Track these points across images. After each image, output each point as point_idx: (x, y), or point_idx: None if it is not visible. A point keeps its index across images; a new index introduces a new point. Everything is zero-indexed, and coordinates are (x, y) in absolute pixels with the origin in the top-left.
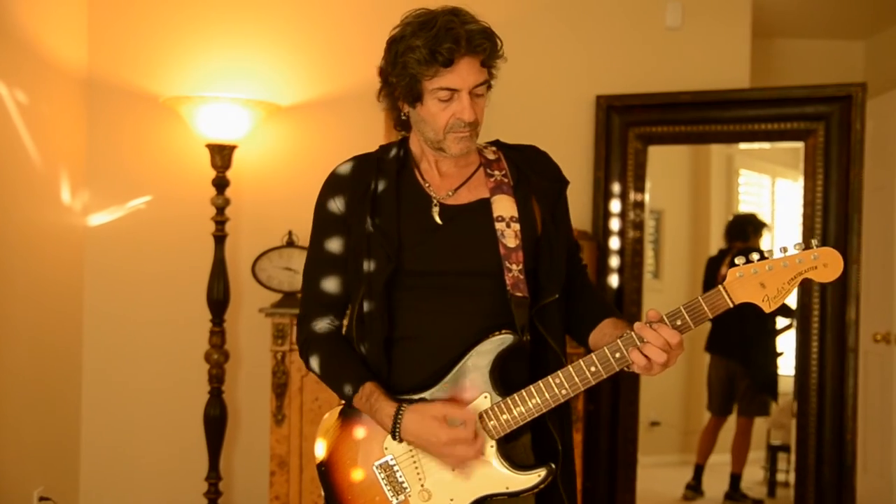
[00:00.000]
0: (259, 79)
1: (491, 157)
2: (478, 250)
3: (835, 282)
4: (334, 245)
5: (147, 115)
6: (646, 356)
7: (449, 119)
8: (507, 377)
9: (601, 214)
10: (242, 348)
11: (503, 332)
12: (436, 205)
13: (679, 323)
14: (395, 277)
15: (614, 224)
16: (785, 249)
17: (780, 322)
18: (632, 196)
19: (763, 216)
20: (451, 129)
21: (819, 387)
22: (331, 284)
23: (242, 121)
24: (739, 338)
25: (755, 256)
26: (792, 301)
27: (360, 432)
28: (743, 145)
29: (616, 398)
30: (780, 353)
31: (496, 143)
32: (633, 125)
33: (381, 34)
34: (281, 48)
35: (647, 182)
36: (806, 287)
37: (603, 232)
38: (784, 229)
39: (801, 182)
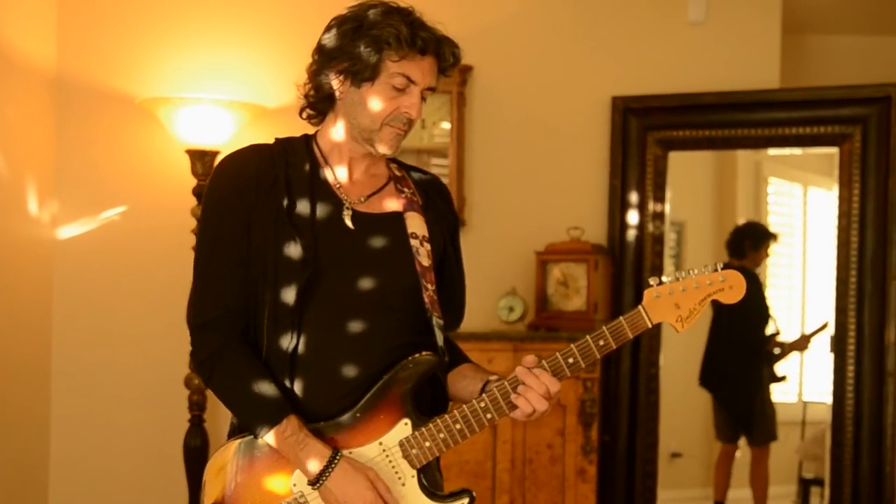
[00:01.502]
0: (243, 79)
1: (397, 173)
2: (396, 263)
3: (872, 300)
4: (237, 239)
5: (121, 118)
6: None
7: (393, 111)
8: (418, 402)
9: (617, 226)
10: None
11: (426, 353)
12: (348, 208)
13: (601, 343)
14: (305, 284)
15: (631, 237)
16: (694, 271)
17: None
18: (650, 206)
19: (771, 226)
20: (391, 122)
21: (855, 415)
22: (236, 284)
23: (225, 124)
24: (720, 368)
25: (666, 279)
26: (823, 309)
27: (264, 469)
28: (772, 151)
29: (633, 428)
30: (782, 378)
31: (397, 162)
32: (652, 129)
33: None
34: (267, 45)
35: (667, 191)
36: (841, 306)
37: (619, 246)
38: (817, 242)
39: (835, 191)
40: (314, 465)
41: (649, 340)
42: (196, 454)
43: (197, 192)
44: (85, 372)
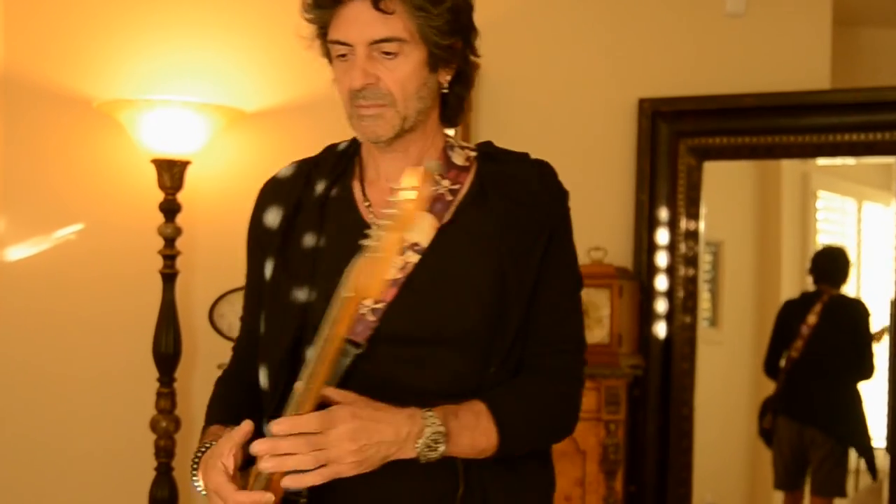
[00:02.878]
0: (218, 79)
1: (459, 160)
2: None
3: None
4: (255, 278)
5: (77, 124)
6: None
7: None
8: None
9: (644, 247)
10: (198, 414)
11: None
12: (369, 232)
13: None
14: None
15: (661, 259)
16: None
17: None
18: (683, 224)
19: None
20: (352, 102)
21: None
22: (253, 322)
23: (197, 130)
24: (819, 396)
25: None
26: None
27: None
28: (822, 161)
29: (663, 476)
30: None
31: (485, 146)
32: (684, 136)
33: None
34: (245, 41)
35: (701, 207)
36: (894, 336)
37: (647, 269)
38: (872, 264)
39: (893, 207)
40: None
41: (681, 376)
42: None
43: (165, 208)
44: (34, 413)
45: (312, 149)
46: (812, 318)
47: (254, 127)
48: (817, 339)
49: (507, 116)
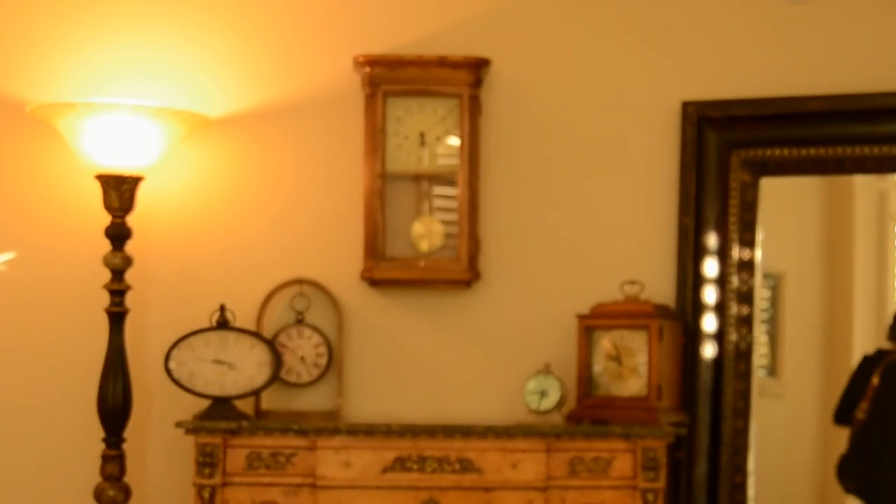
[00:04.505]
0: (176, 79)
1: None
2: None
3: None
4: None
5: (8, 132)
6: None
7: None
8: None
9: (689, 281)
10: (151, 481)
11: None
12: None
13: None
14: None
15: (709, 295)
16: None
17: None
18: (735, 253)
19: None
20: None
21: None
22: None
23: (151, 139)
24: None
25: None
26: None
27: None
28: None
29: None
30: None
31: None
32: (737, 146)
33: (345, 18)
34: (208, 35)
35: (758, 232)
36: None
37: (692, 307)
38: None
39: None
40: None
41: (733, 436)
42: None
43: (112, 234)
44: None
45: (288, 160)
46: (875, 380)
47: (219, 135)
48: (881, 403)
49: (522, 122)
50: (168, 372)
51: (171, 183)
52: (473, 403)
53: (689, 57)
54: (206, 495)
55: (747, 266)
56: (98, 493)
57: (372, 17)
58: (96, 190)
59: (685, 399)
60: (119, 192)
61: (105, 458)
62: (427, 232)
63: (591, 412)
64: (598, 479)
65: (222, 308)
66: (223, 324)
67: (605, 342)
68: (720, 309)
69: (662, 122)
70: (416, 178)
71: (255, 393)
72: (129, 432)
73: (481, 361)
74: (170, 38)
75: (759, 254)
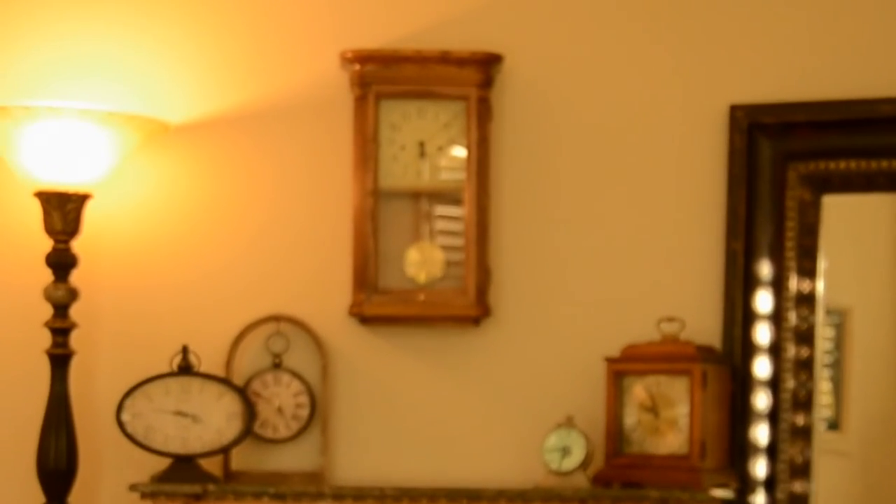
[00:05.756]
0: (131, 79)
1: None
2: None
3: None
4: None
5: None
6: None
7: None
8: None
9: (738, 317)
10: None
11: None
12: None
13: None
14: None
15: (761, 334)
16: None
17: None
18: (793, 284)
19: None
20: None
21: None
22: None
23: (101, 150)
24: None
25: None
26: None
27: None
28: None
29: None
30: None
31: None
32: (794, 158)
33: (330, 6)
34: (167, 31)
35: (820, 259)
36: None
37: (742, 349)
38: None
39: None
40: None
41: (790, 502)
42: None
43: (54, 262)
44: None
45: (263, 175)
46: None
47: (181, 145)
48: None
49: (540, 130)
50: (120, 425)
51: (124, 201)
52: (482, 463)
53: (737, 52)
54: None
55: (807, 300)
56: None
57: (362, 6)
58: (35, 210)
59: (733, 458)
60: (62, 212)
61: None
62: (425, 260)
63: (621, 473)
64: None
65: (185, 350)
66: (186, 368)
67: (638, 390)
68: (775, 351)
69: (707, 129)
70: (415, 195)
71: (224, 450)
72: (75, 497)
73: (492, 413)
74: (123, 29)
75: (820, 286)
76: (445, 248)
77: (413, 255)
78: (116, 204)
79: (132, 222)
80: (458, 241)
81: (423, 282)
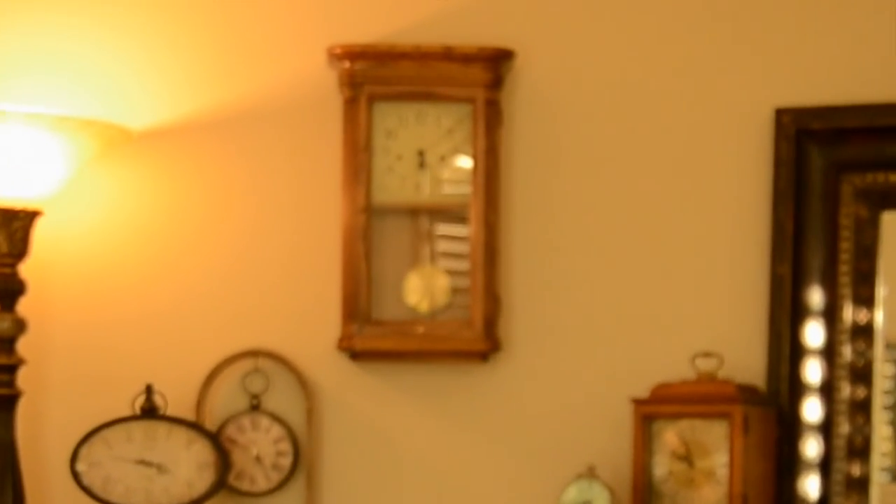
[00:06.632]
0: (88, 79)
1: None
2: None
3: None
4: None
5: None
6: None
7: None
8: None
9: (784, 353)
10: None
11: None
12: None
13: None
14: None
15: (812, 371)
16: None
17: None
18: (848, 314)
19: None
20: None
21: None
22: None
23: (53, 160)
24: None
25: None
26: None
27: None
28: None
29: None
30: None
31: None
32: (849, 169)
33: (308, 5)
34: (130, 22)
35: (879, 286)
36: None
37: (789, 388)
38: None
39: None
40: None
41: None
42: None
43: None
44: None
45: (239, 189)
46: None
47: (145, 155)
48: None
49: (555, 138)
50: (75, 476)
51: (80, 219)
52: None
53: (782, 47)
54: None
55: (864, 332)
56: None
57: None
58: None
59: None
60: (8, 231)
61: None
62: (427, 287)
63: None
64: None
65: (149, 390)
66: (150, 411)
67: (670, 436)
68: (827, 391)
69: (748, 136)
70: (413, 212)
71: None
72: None
73: (502, 462)
74: (77, 20)
75: (879, 316)
76: (448, 272)
77: (413, 282)
78: (71, 222)
79: (89, 243)
80: (463, 265)
81: (425, 311)
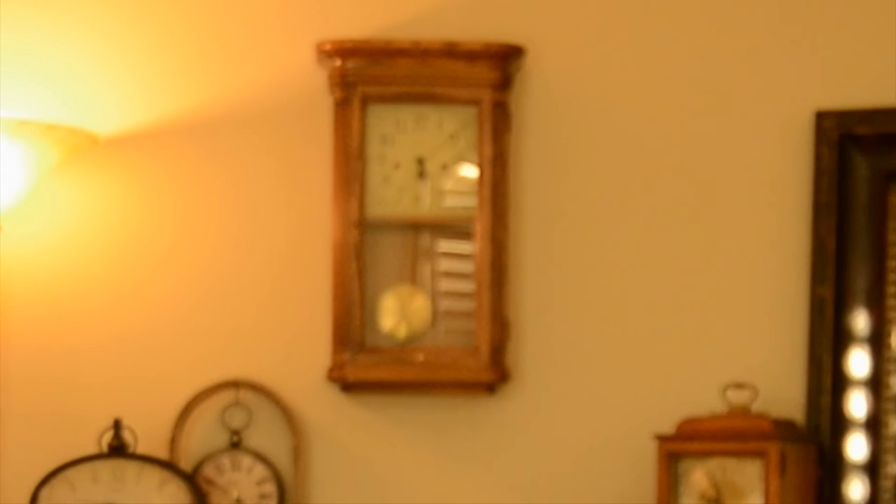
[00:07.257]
0: (51, 80)
1: None
2: None
3: None
4: None
5: None
6: None
7: None
8: None
9: (826, 385)
10: None
11: None
12: None
13: None
14: None
15: (856, 406)
16: None
17: None
18: None
19: None
20: None
21: None
22: None
23: (11, 168)
24: None
25: None
26: None
27: None
28: None
29: None
30: None
31: None
32: None
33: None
34: (98, 18)
35: None
36: None
37: (831, 422)
38: None
39: None
40: None
41: None
42: None
43: None
44: None
45: (218, 200)
46: None
47: (113, 162)
48: None
49: (569, 144)
50: None
51: (40, 235)
52: None
53: (824, 45)
54: None
55: None
56: None
57: None
58: None
59: None
60: None
61: None
62: (403, 310)
63: None
64: None
65: (117, 425)
66: (119, 449)
67: (698, 476)
68: (873, 426)
69: (785, 142)
70: (412, 227)
71: None
72: None
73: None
74: (40, 16)
75: None
76: (451, 294)
77: (389, 303)
78: (31, 238)
79: (51, 261)
80: (468, 286)
81: (402, 338)
